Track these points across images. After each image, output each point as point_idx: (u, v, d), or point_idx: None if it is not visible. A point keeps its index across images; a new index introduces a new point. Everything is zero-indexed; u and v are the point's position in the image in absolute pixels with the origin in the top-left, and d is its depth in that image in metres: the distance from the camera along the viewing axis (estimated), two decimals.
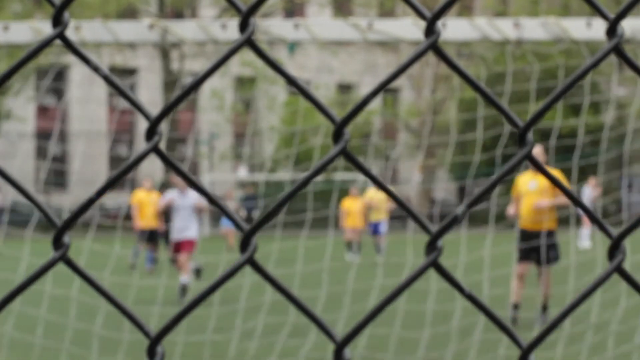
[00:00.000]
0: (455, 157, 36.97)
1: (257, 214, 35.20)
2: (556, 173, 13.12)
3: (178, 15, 49.15)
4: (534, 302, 14.27)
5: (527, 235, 13.70)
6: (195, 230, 17.90)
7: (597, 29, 9.21)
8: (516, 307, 13.63)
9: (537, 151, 13.62)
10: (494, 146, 18.33)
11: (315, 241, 17.48)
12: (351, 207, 28.35)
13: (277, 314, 12.92)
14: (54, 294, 13.63)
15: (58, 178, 54.26)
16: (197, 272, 19.55)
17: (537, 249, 13.62)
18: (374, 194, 27.69)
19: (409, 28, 9.40)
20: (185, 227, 17.62)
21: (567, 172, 15.17)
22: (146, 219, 23.55)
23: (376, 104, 52.25)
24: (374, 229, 27.90)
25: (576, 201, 1.45)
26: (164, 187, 24.04)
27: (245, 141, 57.84)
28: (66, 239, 1.31)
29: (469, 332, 12.11)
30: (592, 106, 35.33)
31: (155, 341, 1.34)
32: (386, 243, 27.51)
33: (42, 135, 55.90)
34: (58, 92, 57.69)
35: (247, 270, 1.39)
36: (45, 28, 9.49)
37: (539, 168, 1.42)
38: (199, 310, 11.22)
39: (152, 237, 23.35)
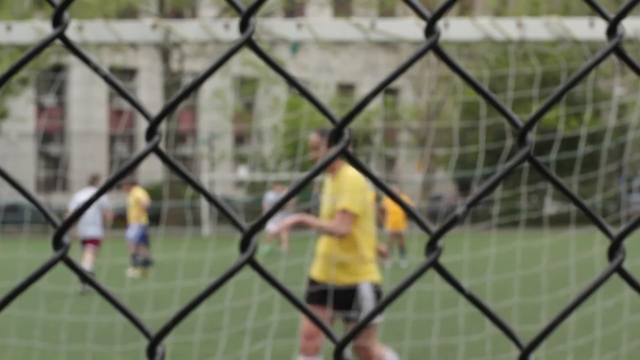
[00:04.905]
0: (455, 157, 36.97)
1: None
2: None
3: (178, 15, 49.15)
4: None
5: None
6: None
7: (599, 29, 9.18)
8: None
9: None
10: (495, 146, 18.30)
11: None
12: (395, 206, 24.49)
13: (264, 315, 12.92)
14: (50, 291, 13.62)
15: (58, 178, 54.26)
16: None
17: None
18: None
19: (412, 28, 9.37)
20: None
21: (569, 169, 14.89)
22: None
23: (377, 104, 52.20)
24: None
25: (576, 201, 1.45)
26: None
27: (247, 141, 57.76)
28: (66, 239, 1.31)
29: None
30: (592, 107, 35.34)
31: (155, 341, 1.34)
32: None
33: (42, 135, 55.90)
34: (58, 92, 57.69)
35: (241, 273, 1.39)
36: (47, 28, 9.49)
37: (539, 169, 1.42)
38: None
39: None
